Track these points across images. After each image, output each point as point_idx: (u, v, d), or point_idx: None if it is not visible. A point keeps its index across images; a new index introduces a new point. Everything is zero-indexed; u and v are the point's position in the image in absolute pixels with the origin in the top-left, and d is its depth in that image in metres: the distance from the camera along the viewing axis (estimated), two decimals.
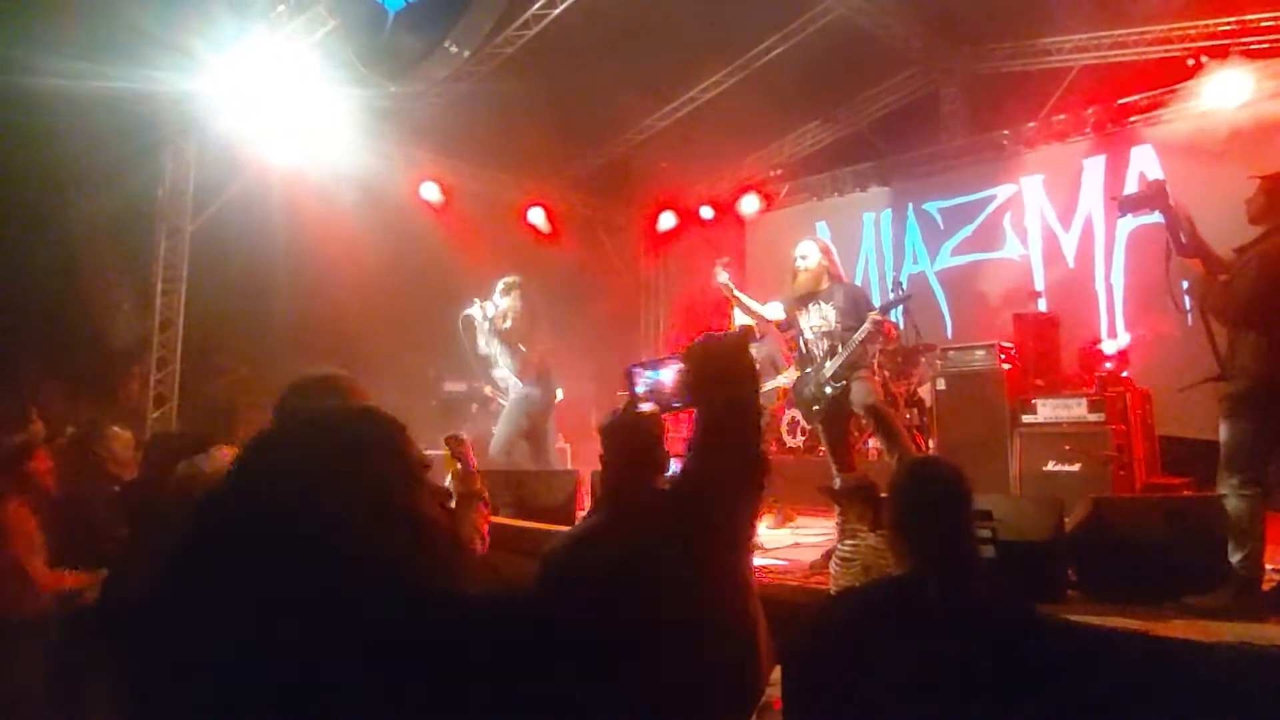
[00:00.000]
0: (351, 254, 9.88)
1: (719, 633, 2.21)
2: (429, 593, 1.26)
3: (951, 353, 8.09)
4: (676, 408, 2.45)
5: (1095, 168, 10.26)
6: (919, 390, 8.72)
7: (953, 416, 7.77)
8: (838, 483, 5.74)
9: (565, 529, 3.74)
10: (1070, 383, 7.99)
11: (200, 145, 9.80)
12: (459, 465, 3.03)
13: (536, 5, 9.65)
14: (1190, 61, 9.43)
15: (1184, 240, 4.49)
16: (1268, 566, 4.18)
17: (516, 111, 10.79)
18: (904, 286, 10.01)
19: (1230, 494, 4.09)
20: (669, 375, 2.43)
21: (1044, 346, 8.31)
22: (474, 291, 8.01)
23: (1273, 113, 8.83)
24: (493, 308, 7.79)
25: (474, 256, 11.22)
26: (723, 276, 6.89)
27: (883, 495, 3.03)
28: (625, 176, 13.64)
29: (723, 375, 1.83)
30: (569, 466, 8.26)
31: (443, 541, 1.41)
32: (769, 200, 13.08)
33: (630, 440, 2.77)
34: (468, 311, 7.89)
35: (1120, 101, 10.07)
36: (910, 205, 11.88)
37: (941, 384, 7.91)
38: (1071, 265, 10.32)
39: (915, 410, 8.64)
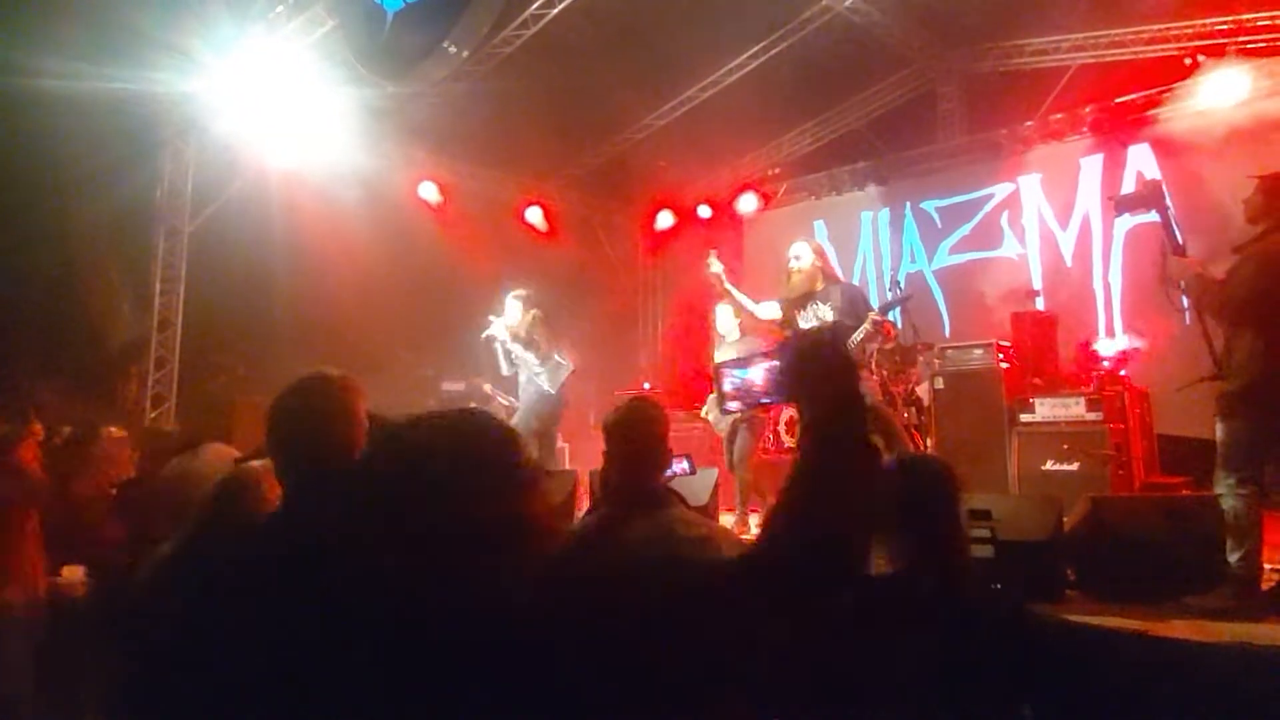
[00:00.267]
0: (350, 254, 9.88)
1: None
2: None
3: (949, 352, 8.09)
4: (765, 404, 2.52)
5: (1093, 167, 10.26)
6: (917, 389, 8.71)
7: (951, 416, 7.77)
8: None
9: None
10: (1068, 382, 7.98)
11: (199, 146, 9.80)
12: None
13: (535, 5, 9.64)
14: (1187, 61, 9.42)
15: (1180, 240, 4.50)
16: (1266, 566, 4.19)
17: (514, 111, 10.78)
18: (902, 286, 10.01)
19: (1227, 493, 4.10)
20: (758, 374, 2.50)
21: (1042, 345, 8.30)
22: (471, 291, 8.05)
23: (1270, 112, 8.83)
24: (512, 322, 7.91)
25: (472, 256, 11.22)
26: (716, 266, 6.91)
27: None
28: (623, 176, 13.62)
29: (824, 371, 1.84)
30: (567, 466, 8.27)
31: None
32: (767, 199, 13.08)
33: (632, 434, 2.76)
34: (487, 332, 7.99)
35: (1117, 101, 10.07)
36: (908, 204, 11.88)
37: (939, 383, 7.90)
38: (1069, 264, 10.33)
39: (913, 409, 8.63)
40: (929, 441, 7.99)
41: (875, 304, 6.54)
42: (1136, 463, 7.08)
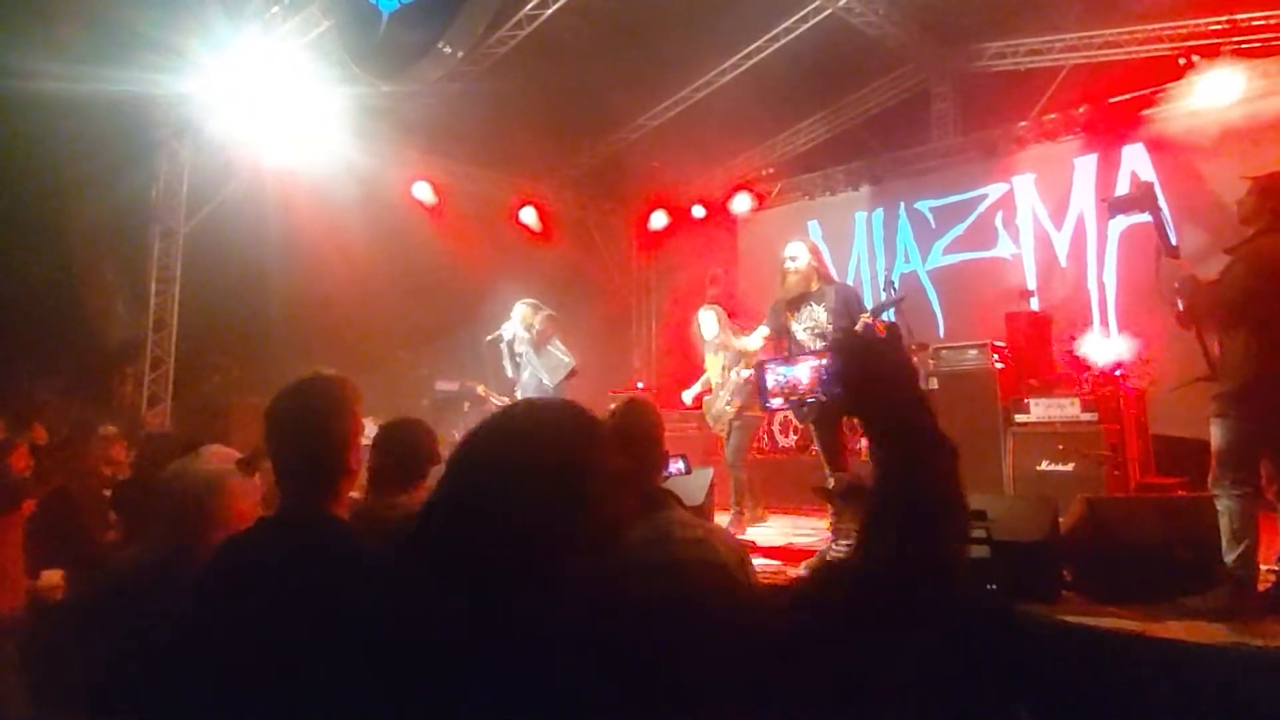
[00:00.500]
0: (344, 254, 9.87)
1: None
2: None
3: (944, 352, 8.10)
4: (810, 402, 2.51)
5: (1087, 167, 10.27)
6: None
7: (945, 416, 7.59)
8: (831, 483, 5.76)
9: None
10: (1063, 382, 7.99)
11: (194, 146, 9.79)
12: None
13: (529, 5, 9.62)
14: (1181, 61, 9.41)
15: (1173, 242, 4.51)
16: (1262, 566, 4.19)
17: (509, 111, 10.78)
18: (896, 286, 9.99)
19: (1222, 494, 4.11)
20: (804, 372, 2.50)
21: (1037, 346, 8.32)
22: (466, 291, 8.09)
23: (1264, 112, 8.84)
24: (519, 326, 8.03)
25: (466, 256, 11.22)
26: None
27: None
28: (618, 175, 13.62)
29: (886, 370, 1.83)
30: None
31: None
32: (761, 199, 13.07)
33: (628, 436, 2.76)
34: (492, 336, 8.18)
35: (1112, 101, 10.07)
36: (902, 204, 11.88)
37: (934, 384, 7.91)
38: (1064, 264, 10.32)
39: None
40: None
41: (869, 305, 6.54)
42: (1132, 463, 7.10)
